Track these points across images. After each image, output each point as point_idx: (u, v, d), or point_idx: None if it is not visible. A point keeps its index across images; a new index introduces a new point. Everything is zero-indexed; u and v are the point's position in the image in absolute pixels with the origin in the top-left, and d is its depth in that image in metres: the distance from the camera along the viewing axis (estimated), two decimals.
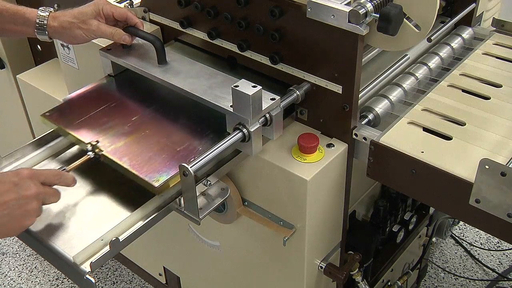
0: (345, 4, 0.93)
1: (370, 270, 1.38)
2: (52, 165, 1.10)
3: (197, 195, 0.97)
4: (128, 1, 1.38)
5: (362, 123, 1.08)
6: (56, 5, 1.62)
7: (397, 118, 1.09)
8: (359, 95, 1.05)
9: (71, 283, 1.97)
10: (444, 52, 1.28)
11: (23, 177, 0.86)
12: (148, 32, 1.19)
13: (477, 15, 1.34)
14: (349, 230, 1.24)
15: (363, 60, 1.03)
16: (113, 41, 1.17)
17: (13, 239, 2.14)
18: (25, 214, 0.85)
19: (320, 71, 1.03)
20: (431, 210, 1.57)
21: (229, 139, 0.97)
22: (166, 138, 1.07)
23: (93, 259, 0.89)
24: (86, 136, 1.08)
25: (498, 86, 1.17)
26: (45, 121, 1.14)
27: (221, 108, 1.01)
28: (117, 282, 1.97)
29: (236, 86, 0.94)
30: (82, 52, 1.36)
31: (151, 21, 1.31)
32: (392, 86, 1.17)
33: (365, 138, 1.05)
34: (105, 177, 1.07)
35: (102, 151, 1.05)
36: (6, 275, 2.01)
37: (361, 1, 0.91)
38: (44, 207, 0.93)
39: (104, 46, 1.21)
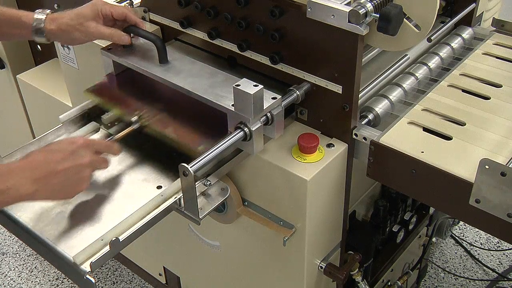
0: (345, 4, 0.93)
1: (370, 270, 1.38)
2: None
3: (197, 195, 0.97)
4: (128, 1, 1.38)
5: (362, 123, 1.08)
6: (56, 5, 1.62)
7: (397, 118, 1.09)
8: (359, 95, 1.05)
9: (71, 283, 1.97)
10: (444, 52, 1.28)
11: (78, 146, 0.93)
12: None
13: (477, 15, 1.34)
14: (349, 230, 1.24)
15: (363, 60, 1.03)
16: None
17: (13, 239, 2.14)
18: (80, 181, 0.92)
19: (320, 71, 1.03)
20: (431, 210, 1.57)
21: (231, 138, 0.97)
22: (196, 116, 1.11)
23: (93, 259, 0.89)
24: (129, 108, 1.13)
25: (498, 86, 1.17)
26: (89, 95, 1.20)
27: (223, 107, 1.01)
28: (117, 282, 1.97)
29: (238, 85, 0.94)
30: (82, 52, 1.36)
31: (151, 21, 1.31)
32: (392, 86, 1.17)
33: (365, 138, 1.05)
34: (105, 177, 1.07)
35: (147, 122, 1.11)
36: (6, 275, 2.01)
37: (361, 1, 0.91)
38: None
39: (104, 45, 1.21)
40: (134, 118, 1.13)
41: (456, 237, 2.03)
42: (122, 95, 1.19)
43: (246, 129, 0.98)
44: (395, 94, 1.14)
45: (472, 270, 1.94)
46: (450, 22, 1.24)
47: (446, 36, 1.34)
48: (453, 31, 1.35)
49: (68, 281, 1.97)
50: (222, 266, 1.38)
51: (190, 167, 0.91)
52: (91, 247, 0.91)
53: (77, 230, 0.97)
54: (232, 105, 0.99)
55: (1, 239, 2.16)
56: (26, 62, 1.84)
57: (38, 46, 1.81)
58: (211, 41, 1.18)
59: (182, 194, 0.98)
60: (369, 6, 0.91)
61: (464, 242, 2.03)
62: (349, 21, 0.91)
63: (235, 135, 0.97)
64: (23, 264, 2.05)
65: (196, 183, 0.95)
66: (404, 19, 0.94)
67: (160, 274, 1.66)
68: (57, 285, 1.97)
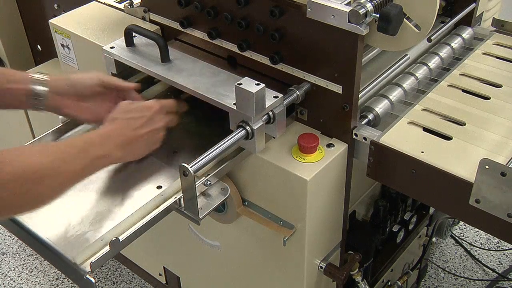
0: (345, 4, 0.93)
1: (370, 270, 1.38)
2: None
3: (197, 195, 0.97)
4: (128, 1, 1.38)
5: (362, 123, 1.08)
6: (56, 5, 1.62)
7: (397, 118, 1.09)
8: (359, 95, 1.05)
9: (71, 283, 1.97)
10: (444, 52, 1.28)
11: (155, 111, 1.03)
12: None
13: (477, 15, 1.34)
14: (349, 230, 1.24)
15: (363, 60, 1.03)
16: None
17: (13, 239, 2.14)
18: (154, 142, 1.04)
19: (320, 71, 1.03)
20: (431, 210, 1.57)
21: (233, 136, 0.97)
22: None
23: (93, 259, 0.89)
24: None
25: (498, 86, 1.17)
26: None
27: (225, 106, 1.01)
28: (117, 282, 1.97)
29: (240, 84, 0.95)
30: (82, 52, 1.36)
31: (151, 21, 1.31)
32: (392, 86, 1.17)
33: (365, 138, 1.05)
34: (105, 177, 1.07)
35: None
36: (6, 275, 2.01)
37: (361, 1, 0.91)
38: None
39: (105, 45, 1.21)
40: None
41: (456, 237, 2.03)
42: None
43: (248, 127, 0.98)
44: (395, 94, 1.14)
45: (472, 270, 1.94)
46: (450, 22, 1.24)
47: (446, 36, 1.34)
48: (453, 31, 1.35)
49: (68, 281, 1.97)
50: (222, 266, 1.38)
51: (190, 167, 0.91)
52: (91, 247, 0.91)
53: (77, 230, 0.97)
54: (234, 103, 0.99)
55: (1, 239, 2.16)
56: (26, 62, 1.84)
57: (38, 46, 1.81)
58: (211, 41, 1.18)
59: (182, 194, 0.98)
60: (369, 6, 0.91)
61: (464, 242, 2.03)
62: (349, 21, 0.91)
63: (237, 133, 0.98)
64: (23, 264, 2.05)
65: (196, 183, 0.95)
66: (404, 19, 0.94)
67: (160, 274, 1.66)
68: (57, 285, 1.97)
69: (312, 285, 1.21)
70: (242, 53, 1.14)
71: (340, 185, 1.12)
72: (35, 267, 2.04)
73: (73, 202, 1.02)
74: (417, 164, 0.98)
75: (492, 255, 1.99)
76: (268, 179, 1.07)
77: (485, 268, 1.94)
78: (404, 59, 1.25)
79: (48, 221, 0.98)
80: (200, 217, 0.99)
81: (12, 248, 2.12)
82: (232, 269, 1.36)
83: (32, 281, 1.99)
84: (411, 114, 1.10)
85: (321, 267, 1.19)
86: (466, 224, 2.05)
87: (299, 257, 1.14)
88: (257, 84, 0.94)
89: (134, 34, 1.19)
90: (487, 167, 0.86)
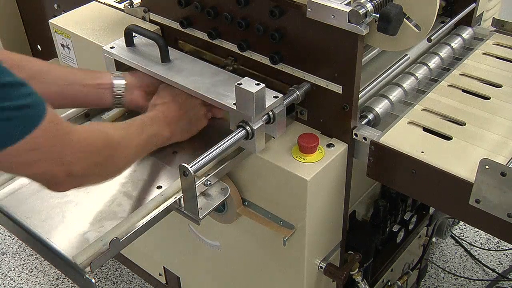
0: (345, 4, 0.93)
1: (370, 270, 1.38)
2: None
3: (197, 195, 0.97)
4: (128, 1, 1.38)
5: (362, 123, 1.08)
6: (56, 5, 1.62)
7: (397, 118, 1.09)
8: (359, 95, 1.05)
9: (71, 283, 1.97)
10: (444, 52, 1.28)
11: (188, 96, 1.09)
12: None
13: (477, 15, 1.34)
14: (349, 230, 1.24)
15: (363, 60, 1.03)
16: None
17: (13, 239, 2.14)
18: (198, 120, 1.10)
19: (320, 71, 1.03)
20: (431, 210, 1.57)
21: (232, 136, 0.97)
22: None
23: (93, 259, 0.89)
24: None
25: (498, 86, 1.17)
26: None
27: (225, 106, 1.01)
28: (117, 282, 1.97)
29: (240, 84, 0.95)
30: (82, 52, 1.36)
31: (151, 21, 1.31)
32: (392, 86, 1.17)
33: (365, 138, 1.05)
34: None
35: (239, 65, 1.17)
36: (6, 275, 2.01)
37: (361, 1, 0.91)
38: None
39: (105, 45, 1.21)
40: (228, 62, 1.16)
41: (456, 237, 2.03)
42: None
43: (248, 127, 0.98)
44: (395, 94, 1.14)
45: (472, 270, 1.94)
46: (450, 22, 1.24)
47: (446, 36, 1.34)
48: (453, 31, 1.35)
49: (68, 281, 1.97)
50: (222, 266, 1.38)
51: (190, 167, 0.91)
52: (91, 247, 0.91)
53: (77, 230, 0.97)
54: (234, 103, 0.99)
55: (1, 239, 2.16)
56: None
57: (38, 46, 1.81)
58: (211, 41, 1.18)
59: (182, 194, 0.98)
60: (369, 6, 0.91)
61: (464, 242, 2.03)
62: (349, 21, 0.91)
63: (237, 133, 0.98)
64: (23, 264, 2.05)
65: (196, 183, 0.95)
66: (404, 19, 0.94)
67: (160, 274, 1.66)
68: (57, 285, 1.97)
69: (312, 285, 1.21)
70: (242, 53, 1.14)
71: (340, 185, 1.11)
72: (35, 267, 2.04)
73: (73, 202, 1.02)
74: (417, 164, 0.98)
75: (492, 255, 1.99)
76: (268, 179, 1.07)
77: (485, 268, 1.94)
78: (404, 59, 1.25)
79: (48, 221, 0.98)
80: (200, 217, 0.99)
81: (12, 248, 2.12)
82: (232, 269, 1.36)
83: (32, 281, 1.99)
84: (411, 114, 1.10)
85: (321, 267, 1.19)
86: (466, 224, 2.05)
87: (299, 257, 1.14)
88: (257, 84, 0.94)
89: (134, 34, 1.19)
90: (487, 167, 0.86)
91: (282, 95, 1.01)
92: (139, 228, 0.95)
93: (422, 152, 0.99)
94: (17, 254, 2.09)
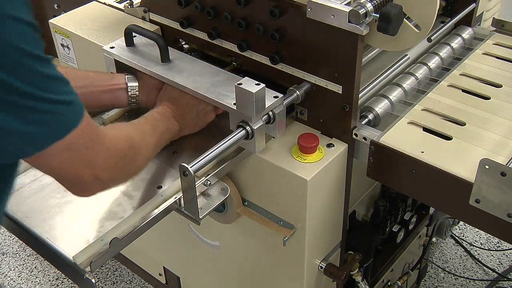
0: (345, 4, 0.93)
1: (370, 270, 1.38)
2: None
3: (197, 195, 0.97)
4: (128, 1, 1.38)
5: (362, 123, 1.08)
6: (56, 5, 1.62)
7: (397, 118, 1.09)
8: (359, 95, 1.05)
9: (71, 283, 1.97)
10: (444, 52, 1.28)
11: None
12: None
13: (477, 15, 1.34)
14: (349, 230, 1.24)
15: (363, 60, 1.03)
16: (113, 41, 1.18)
17: (13, 239, 2.14)
18: (205, 114, 1.11)
19: (320, 71, 1.03)
20: (431, 210, 1.57)
21: (232, 136, 0.97)
22: None
23: (93, 259, 0.89)
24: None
25: (498, 86, 1.17)
26: None
27: (225, 106, 1.01)
28: (117, 282, 1.97)
29: (240, 84, 0.95)
30: (82, 52, 1.36)
31: (151, 21, 1.31)
32: (392, 86, 1.17)
33: (365, 138, 1.05)
34: None
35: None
36: (6, 275, 2.01)
37: (361, 1, 0.91)
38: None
39: (105, 45, 1.21)
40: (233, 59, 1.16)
41: (456, 237, 2.03)
42: None
43: (248, 127, 0.98)
44: (395, 94, 1.14)
45: (472, 270, 1.94)
46: (450, 22, 1.24)
47: (446, 36, 1.34)
48: (453, 31, 1.35)
49: (68, 281, 1.97)
50: (222, 266, 1.38)
51: (190, 167, 0.91)
52: (91, 247, 0.91)
53: (77, 230, 0.97)
54: (234, 103, 0.99)
55: (1, 239, 2.16)
56: None
57: None
58: (211, 41, 1.18)
59: (182, 194, 0.98)
60: (369, 6, 0.91)
61: (464, 242, 2.03)
62: (349, 21, 0.91)
63: (237, 133, 0.98)
64: (23, 264, 2.05)
65: (196, 183, 0.95)
66: (404, 19, 0.93)
67: (160, 274, 1.66)
68: (57, 285, 1.96)
69: (312, 285, 1.21)
70: (242, 53, 1.14)
71: (340, 185, 1.11)
72: (35, 267, 2.04)
73: (73, 202, 1.02)
74: (417, 164, 0.98)
75: (492, 255, 1.99)
76: (268, 179, 1.07)
77: (485, 268, 1.94)
78: (404, 59, 1.25)
79: (48, 221, 0.98)
80: (200, 217, 0.99)
81: (12, 248, 2.12)
82: (232, 269, 1.36)
83: (32, 281, 1.99)
84: (411, 114, 1.10)
85: (321, 267, 1.19)
86: (466, 224, 2.05)
87: (299, 257, 1.14)
88: (257, 84, 0.94)
89: (134, 34, 1.19)
90: (487, 167, 0.86)
91: (282, 95, 1.01)
92: (139, 228, 0.95)
93: (422, 152, 0.99)
94: (17, 254, 2.09)
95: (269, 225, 1.13)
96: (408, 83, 1.18)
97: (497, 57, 1.27)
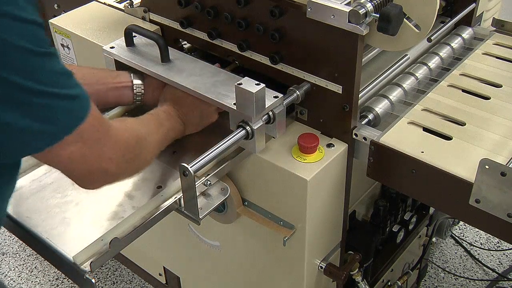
0: (345, 4, 0.93)
1: (370, 270, 1.38)
2: None
3: (197, 195, 0.97)
4: (128, 1, 1.38)
5: (362, 123, 1.08)
6: (56, 5, 1.62)
7: (397, 118, 1.09)
8: (359, 95, 1.05)
9: (71, 283, 1.97)
10: (444, 52, 1.28)
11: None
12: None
13: (477, 15, 1.34)
14: (349, 230, 1.24)
15: (363, 60, 1.03)
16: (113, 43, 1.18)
17: (13, 239, 2.14)
18: (208, 113, 1.10)
19: (320, 71, 1.03)
20: (431, 210, 1.57)
21: (232, 136, 0.97)
22: None
23: (93, 259, 0.89)
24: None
25: (498, 86, 1.17)
26: None
27: (225, 106, 1.01)
28: (117, 282, 1.97)
29: (240, 84, 0.95)
30: (82, 52, 1.36)
31: (151, 21, 1.31)
32: (392, 86, 1.17)
33: (365, 138, 1.05)
34: None
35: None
36: (6, 275, 2.01)
37: (361, 1, 0.91)
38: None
39: (105, 45, 1.21)
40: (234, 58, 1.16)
41: (456, 237, 2.03)
42: None
43: (248, 127, 0.98)
44: (395, 94, 1.14)
45: (472, 270, 1.94)
46: (450, 22, 1.24)
47: (446, 36, 1.34)
48: (453, 31, 1.35)
49: (68, 281, 1.97)
50: (222, 266, 1.38)
51: (190, 167, 0.91)
52: (91, 247, 0.91)
53: (77, 230, 0.97)
54: (234, 103, 0.99)
55: (1, 239, 2.16)
56: None
57: None
58: (211, 41, 1.18)
59: (182, 194, 0.98)
60: (369, 6, 0.91)
61: (464, 242, 2.03)
62: (349, 21, 0.91)
63: (237, 133, 0.98)
64: (23, 264, 2.05)
65: (196, 183, 0.95)
66: (404, 19, 0.93)
67: (160, 274, 1.66)
68: (57, 285, 1.97)
69: (312, 285, 1.21)
70: (242, 53, 1.14)
71: (340, 185, 1.11)
72: (35, 267, 2.04)
73: (73, 202, 1.02)
74: (417, 164, 0.98)
75: (492, 255, 1.99)
76: (268, 179, 1.07)
77: (485, 268, 1.94)
78: (404, 59, 1.25)
79: (48, 221, 0.98)
80: (200, 217, 0.99)
81: (12, 248, 2.12)
82: (232, 269, 1.36)
83: (32, 281, 1.99)
84: (411, 114, 1.10)
85: (321, 267, 1.19)
86: (466, 224, 2.05)
87: (299, 257, 1.14)
88: (257, 84, 0.94)
89: (134, 34, 1.19)
90: (487, 167, 0.86)
91: (282, 95, 1.01)
92: (139, 228, 0.95)
93: (422, 152, 0.99)
94: (17, 254, 2.09)
95: (269, 225, 1.13)
96: (408, 83, 1.18)
97: (497, 57, 1.27)
